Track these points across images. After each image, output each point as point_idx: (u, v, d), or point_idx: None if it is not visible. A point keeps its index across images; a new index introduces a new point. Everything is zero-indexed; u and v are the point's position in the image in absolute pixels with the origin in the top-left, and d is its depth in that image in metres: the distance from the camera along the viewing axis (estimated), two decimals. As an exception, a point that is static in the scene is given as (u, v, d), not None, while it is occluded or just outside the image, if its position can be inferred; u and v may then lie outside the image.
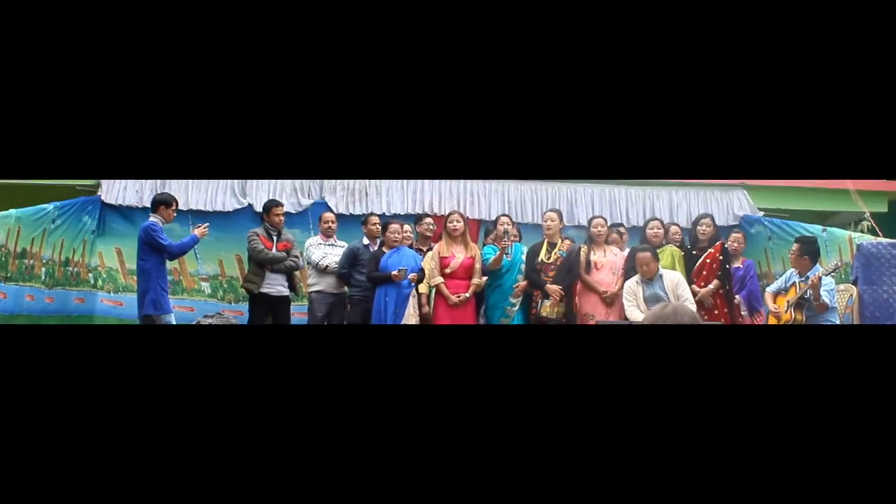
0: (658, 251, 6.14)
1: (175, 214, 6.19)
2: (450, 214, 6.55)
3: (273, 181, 7.52)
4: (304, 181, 7.57)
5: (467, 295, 6.23)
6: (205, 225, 6.12)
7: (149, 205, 7.20)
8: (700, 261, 6.29)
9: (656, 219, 6.75)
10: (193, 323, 2.15)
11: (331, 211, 7.13)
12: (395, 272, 5.95)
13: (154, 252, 5.83)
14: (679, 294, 5.74)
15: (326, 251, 6.54)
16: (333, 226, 6.73)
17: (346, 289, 6.44)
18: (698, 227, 6.44)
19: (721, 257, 6.29)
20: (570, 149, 2.63)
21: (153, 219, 5.95)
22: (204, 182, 7.49)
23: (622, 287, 6.15)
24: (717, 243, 6.37)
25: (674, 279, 5.84)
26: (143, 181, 7.41)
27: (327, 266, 6.42)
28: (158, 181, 7.38)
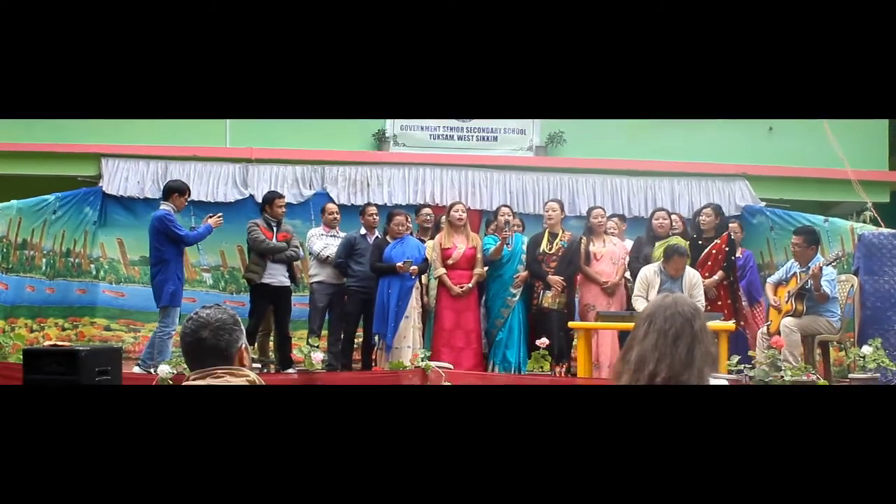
0: (663, 242, 6.09)
1: (187, 203, 6.06)
2: (452, 205, 6.55)
3: (274, 171, 7.53)
4: (305, 171, 7.57)
5: (469, 285, 6.25)
6: (218, 215, 6.02)
7: (150, 196, 7.25)
8: (706, 251, 6.23)
9: (662, 209, 6.69)
10: (192, 314, 2.11)
11: (333, 202, 7.13)
12: (399, 263, 5.96)
13: (170, 242, 5.68)
14: (693, 294, 5.64)
15: (328, 242, 6.54)
16: (337, 217, 6.72)
17: (344, 280, 6.44)
18: (699, 217, 6.39)
19: (727, 248, 6.23)
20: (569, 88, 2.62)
21: (165, 207, 5.77)
22: (206, 174, 7.49)
23: (622, 276, 6.12)
24: (724, 234, 6.28)
25: (693, 279, 5.75)
26: (145, 171, 7.41)
27: (328, 257, 6.43)
28: (160, 172, 7.38)
